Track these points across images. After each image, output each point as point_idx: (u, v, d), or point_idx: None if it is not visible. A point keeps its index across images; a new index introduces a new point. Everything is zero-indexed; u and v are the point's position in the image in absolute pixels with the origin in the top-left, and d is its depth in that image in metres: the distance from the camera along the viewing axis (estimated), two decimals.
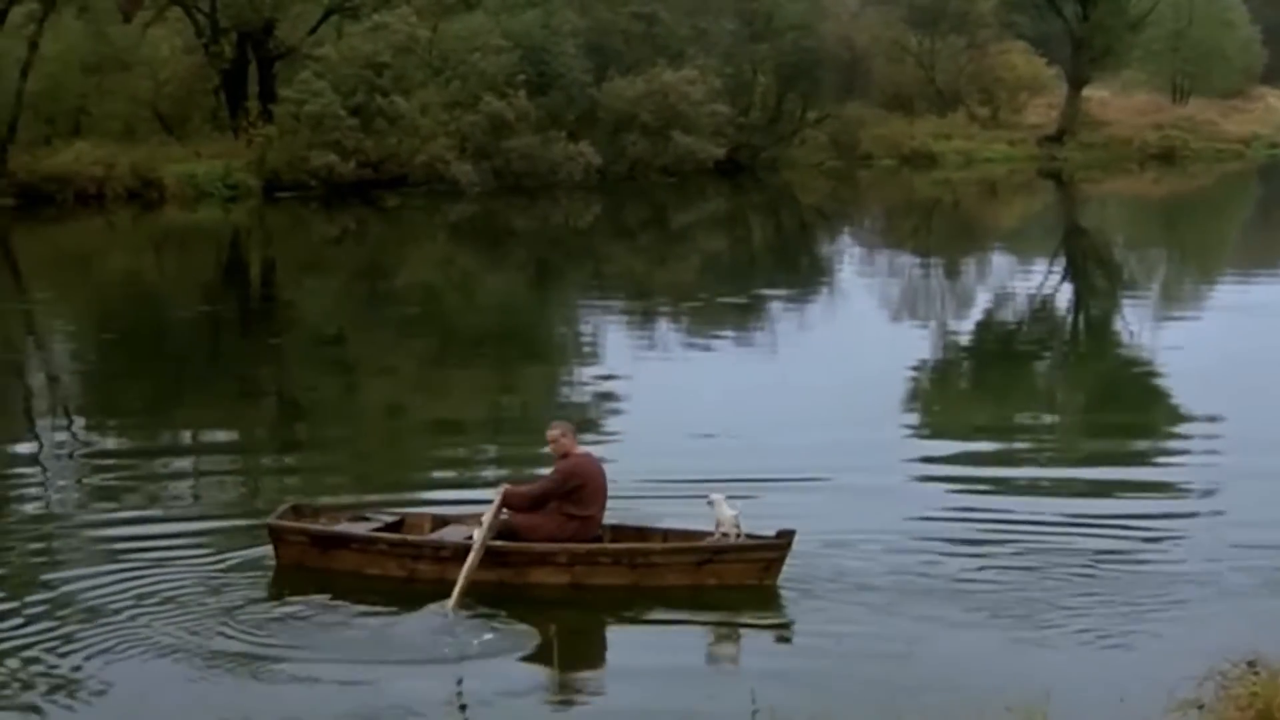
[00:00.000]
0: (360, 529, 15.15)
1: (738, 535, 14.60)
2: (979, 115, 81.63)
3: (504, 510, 14.60)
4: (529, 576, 14.40)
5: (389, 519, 15.46)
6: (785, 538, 14.55)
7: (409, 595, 14.01)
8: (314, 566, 14.75)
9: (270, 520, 15.12)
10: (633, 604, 14.12)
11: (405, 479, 19.03)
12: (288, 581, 14.55)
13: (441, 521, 15.35)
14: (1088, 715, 11.18)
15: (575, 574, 14.44)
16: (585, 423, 22.26)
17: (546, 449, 15.24)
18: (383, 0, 61.02)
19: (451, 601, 13.50)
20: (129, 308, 36.15)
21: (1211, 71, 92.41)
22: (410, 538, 14.89)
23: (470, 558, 13.95)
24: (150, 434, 22.30)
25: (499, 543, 14.38)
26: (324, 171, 56.86)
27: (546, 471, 15.32)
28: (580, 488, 14.74)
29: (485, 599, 13.86)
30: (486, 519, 14.35)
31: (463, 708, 12.10)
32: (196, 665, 12.66)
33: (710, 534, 14.79)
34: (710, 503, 14.80)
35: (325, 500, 16.71)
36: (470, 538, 14.37)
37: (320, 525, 15.21)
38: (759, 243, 53.07)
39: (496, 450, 20.53)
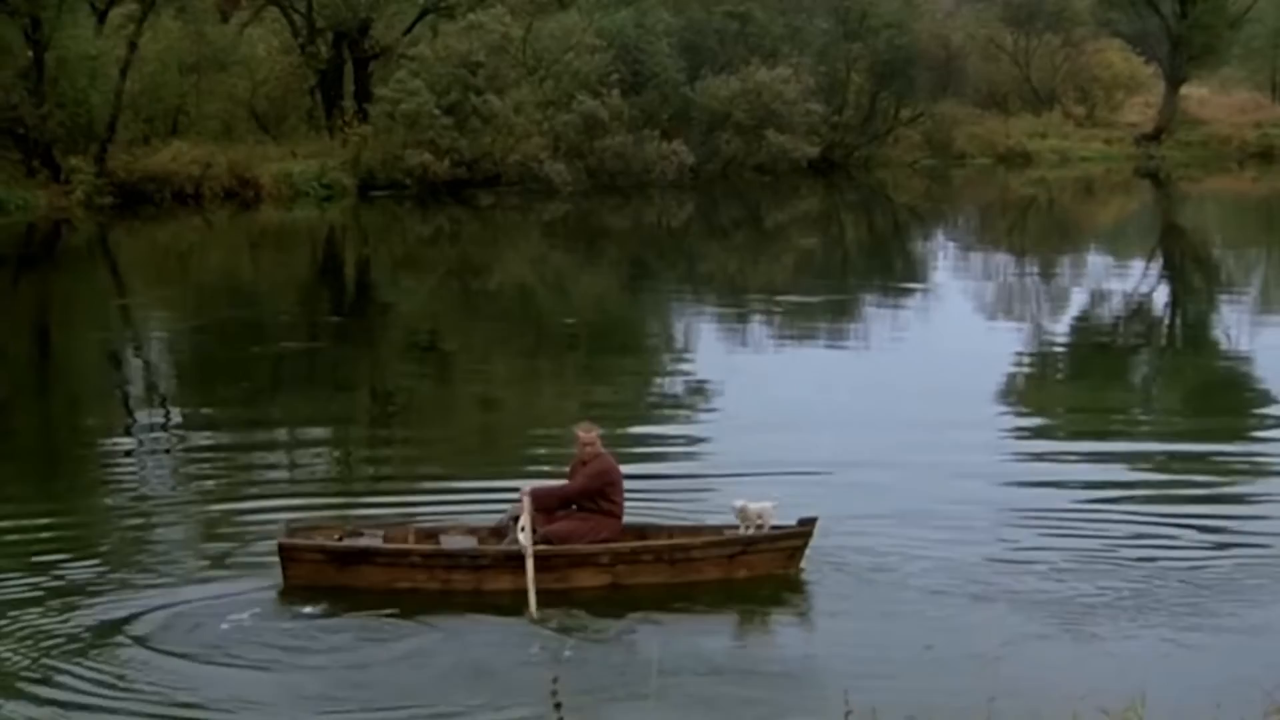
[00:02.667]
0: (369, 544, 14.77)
1: (759, 527, 14.85)
2: (1075, 114, 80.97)
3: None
4: (572, 580, 14.43)
5: (381, 534, 15.03)
6: (808, 525, 14.87)
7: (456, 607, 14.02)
8: (328, 584, 14.20)
9: (281, 539, 14.51)
10: (690, 601, 14.20)
11: (496, 472, 18.97)
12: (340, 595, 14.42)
13: (427, 534, 15.03)
14: (1185, 718, 11.07)
15: (617, 574, 14.51)
16: (677, 419, 22.37)
17: (571, 449, 15.21)
18: (477, 0, 61.24)
19: (531, 607, 13.55)
20: (226, 305, 36.43)
21: None
22: (447, 548, 14.62)
23: (529, 563, 13.97)
24: (244, 427, 22.54)
25: (541, 547, 14.34)
26: (418, 170, 57.13)
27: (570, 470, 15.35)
28: (612, 485, 14.92)
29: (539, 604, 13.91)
30: (525, 522, 14.31)
31: (557, 706, 12.10)
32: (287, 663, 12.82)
33: (708, 528, 15.23)
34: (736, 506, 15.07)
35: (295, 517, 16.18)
36: (507, 542, 14.48)
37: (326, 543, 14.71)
38: (852, 241, 52.90)
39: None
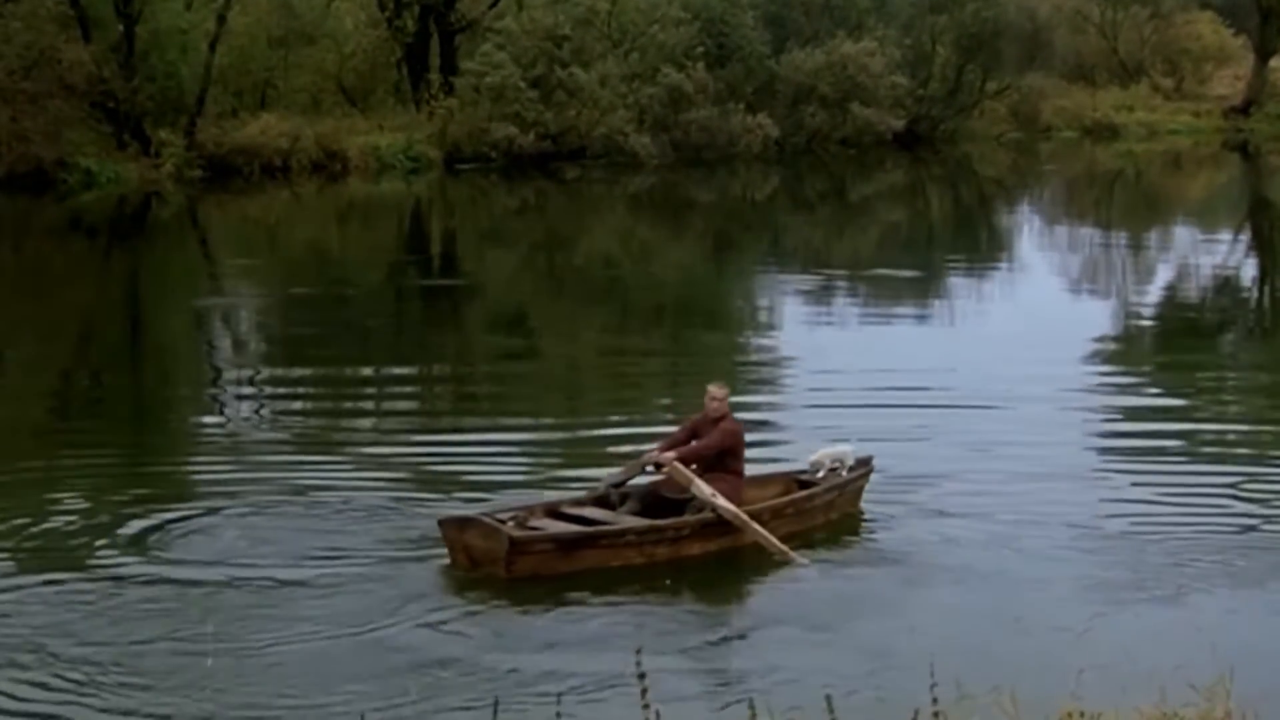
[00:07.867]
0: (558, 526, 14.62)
1: (833, 470, 15.70)
2: (1163, 86, 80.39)
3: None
4: (739, 539, 14.62)
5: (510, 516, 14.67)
6: (868, 464, 15.85)
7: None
8: (548, 575, 13.89)
9: (513, 533, 13.95)
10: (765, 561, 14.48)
11: (582, 446, 19.07)
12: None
13: (548, 511, 14.78)
14: (1274, 693, 11.05)
15: (771, 529, 14.70)
16: (760, 390, 22.45)
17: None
18: None
19: (787, 551, 14.29)
20: (314, 277, 36.73)
21: None
22: (657, 522, 14.60)
23: (745, 521, 14.45)
24: (329, 398, 22.79)
25: (724, 508, 14.55)
26: (504, 143, 57.36)
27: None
28: (742, 446, 15.17)
29: (710, 565, 14.32)
30: (706, 487, 14.53)
31: (641, 676, 12.16)
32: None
33: (779, 475, 16.04)
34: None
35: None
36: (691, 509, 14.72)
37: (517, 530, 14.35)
38: (938, 215, 52.74)
39: (674, 419, 20.51)
